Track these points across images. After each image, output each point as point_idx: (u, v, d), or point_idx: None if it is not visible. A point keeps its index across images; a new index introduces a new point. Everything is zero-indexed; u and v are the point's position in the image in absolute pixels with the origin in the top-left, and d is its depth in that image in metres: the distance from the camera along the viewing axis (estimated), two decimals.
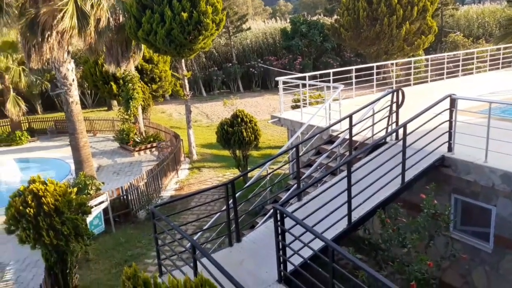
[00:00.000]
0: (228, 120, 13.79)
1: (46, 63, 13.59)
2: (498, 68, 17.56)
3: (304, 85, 11.34)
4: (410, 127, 7.00)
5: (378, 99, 8.56)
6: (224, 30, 33.30)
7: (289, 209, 7.35)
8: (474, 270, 7.33)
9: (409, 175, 7.03)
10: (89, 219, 10.27)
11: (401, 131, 7.09)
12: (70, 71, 13.87)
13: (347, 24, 25.51)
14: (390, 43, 24.56)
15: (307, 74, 12.71)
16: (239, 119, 13.57)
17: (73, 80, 13.99)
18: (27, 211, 8.38)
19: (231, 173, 15.59)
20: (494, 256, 7.02)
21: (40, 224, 8.43)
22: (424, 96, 12.20)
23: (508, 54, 17.88)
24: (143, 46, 17.57)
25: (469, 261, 7.24)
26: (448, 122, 7.31)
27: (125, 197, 12.30)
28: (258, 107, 28.50)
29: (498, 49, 17.76)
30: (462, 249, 7.23)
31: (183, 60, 17.31)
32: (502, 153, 6.64)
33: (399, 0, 23.50)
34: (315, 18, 38.67)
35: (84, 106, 31.13)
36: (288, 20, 38.54)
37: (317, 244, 5.61)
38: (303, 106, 11.43)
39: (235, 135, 13.34)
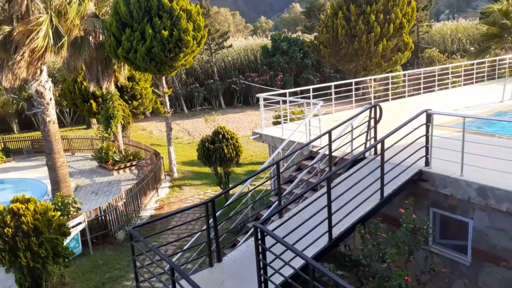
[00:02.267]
0: (209, 137, 13.72)
1: (22, 82, 13.35)
2: (472, 83, 18.09)
3: (284, 102, 11.42)
4: (388, 142, 7.09)
5: (357, 115, 8.66)
6: (205, 47, 33.51)
7: (271, 226, 7.29)
8: (454, 283, 7.37)
9: (388, 190, 7.09)
10: (66, 241, 9.98)
11: (379, 146, 7.16)
12: (47, 90, 13.63)
13: (327, 41, 26.00)
14: (368, 59, 25.10)
15: (287, 91, 12.83)
16: (220, 136, 13.52)
17: (50, 99, 13.75)
18: (5, 231, 8.14)
19: (213, 191, 15.45)
20: (473, 268, 7.08)
21: (18, 244, 8.20)
22: (402, 111, 12.44)
23: (481, 69, 18.47)
24: (126, 65, 17.48)
25: (448, 274, 7.29)
26: (425, 137, 7.44)
27: (103, 217, 12.01)
28: (240, 123, 28.54)
29: (472, 64, 18.34)
30: (442, 263, 7.28)
31: (163, 77, 17.27)
32: (477, 166, 6.77)
33: (377, 18, 24.14)
34: (295, 35, 39.34)
35: (62, 124, 30.66)
36: (269, 37, 39.09)
37: (298, 262, 5.56)
38: (284, 122, 11.49)
39: (216, 152, 13.26)
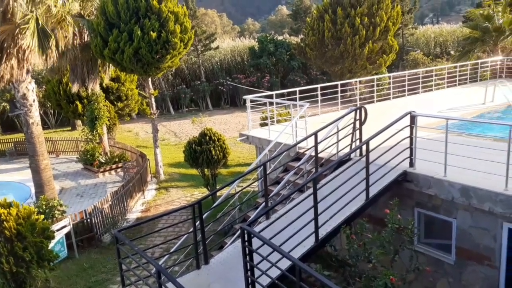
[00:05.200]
0: (196, 138, 13.68)
1: (7, 83, 13.13)
2: (455, 85, 18.42)
3: (271, 103, 11.46)
4: (373, 144, 7.17)
5: (342, 117, 8.75)
6: (192, 48, 33.40)
7: (258, 228, 7.30)
8: (438, 282, 7.50)
9: (373, 191, 7.17)
10: (50, 245, 9.83)
11: (364, 147, 7.24)
12: (30, 91, 13.42)
13: (312, 44, 26.16)
14: (354, 61, 25.33)
15: (274, 92, 12.88)
16: (207, 138, 13.49)
17: (34, 100, 13.54)
18: None
19: (200, 192, 15.40)
20: (457, 267, 7.21)
21: (0, 250, 8.03)
22: (387, 112, 12.59)
23: (464, 72, 18.83)
24: (111, 65, 17.30)
25: (433, 273, 7.40)
26: (409, 138, 7.55)
27: (88, 220, 11.87)
28: (228, 125, 28.52)
29: (455, 67, 18.67)
30: (427, 262, 7.39)
31: (149, 79, 17.16)
32: (460, 167, 6.90)
33: (362, 21, 24.39)
34: (281, 37, 39.51)
35: (47, 126, 30.19)
36: (256, 39, 39.18)
37: (285, 263, 5.59)
38: (271, 124, 11.53)
39: (203, 154, 13.22)
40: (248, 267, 5.55)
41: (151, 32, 14.57)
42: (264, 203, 8.26)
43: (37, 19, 12.19)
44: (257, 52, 35.52)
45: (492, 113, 13.28)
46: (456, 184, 6.76)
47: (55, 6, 12.70)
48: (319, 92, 12.81)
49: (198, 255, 6.97)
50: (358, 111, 8.53)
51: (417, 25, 43.35)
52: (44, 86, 26.14)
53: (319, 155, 8.37)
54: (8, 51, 11.95)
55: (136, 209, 14.39)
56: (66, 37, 13.53)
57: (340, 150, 8.74)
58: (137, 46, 14.70)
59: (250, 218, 8.20)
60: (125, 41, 14.77)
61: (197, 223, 6.98)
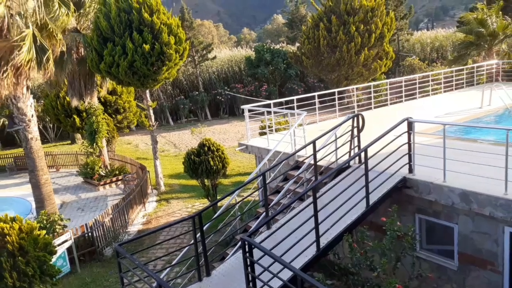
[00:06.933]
0: (194, 149, 13.69)
1: (5, 99, 13.19)
2: (452, 90, 18.50)
3: (269, 112, 11.50)
4: (371, 151, 7.18)
5: (339, 125, 8.78)
6: (189, 59, 33.58)
7: (259, 238, 7.29)
8: None
9: (373, 198, 7.16)
10: (53, 259, 9.79)
11: (363, 154, 7.25)
12: (28, 107, 13.46)
13: (308, 52, 26.28)
14: (350, 69, 25.43)
15: (272, 101, 12.93)
16: (206, 148, 13.51)
17: (32, 115, 13.57)
18: None
19: (201, 203, 15.37)
20: (460, 273, 7.18)
21: (3, 265, 8.02)
22: (385, 119, 12.63)
23: (460, 76, 18.93)
24: (108, 78, 17.37)
25: (436, 279, 7.37)
26: (407, 144, 7.57)
27: (90, 234, 11.82)
28: (227, 134, 28.57)
29: (451, 72, 18.77)
30: (429, 268, 7.37)
31: (147, 91, 17.22)
32: (459, 172, 6.91)
33: (357, 28, 24.54)
34: (278, 46, 39.73)
35: (46, 140, 30.21)
36: (253, 49, 39.39)
37: (287, 274, 5.57)
38: (270, 133, 11.55)
39: (203, 165, 13.23)
40: (250, 278, 5.53)
41: (144, 45, 14.63)
42: (264, 213, 8.25)
43: (33, 35, 12.27)
44: (254, 62, 35.70)
45: (490, 117, 13.33)
46: (456, 189, 6.76)
47: (50, 21, 12.77)
48: (316, 100, 12.87)
49: (200, 267, 6.94)
50: (355, 118, 8.56)
51: (412, 30, 43.65)
52: (42, 101, 26.22)
53: (319, 163, 8.38)
54: (5, 67, 12.01)
55: (137, 221, 14.34)
56: (53, 51, 13.58)
57: (339, 158, 8.76)
58: (131, 59, 14.76)
59: (251, 229, 8.17)
60: (119, 55, 14.83)
61: (198, 235, 6.97)
